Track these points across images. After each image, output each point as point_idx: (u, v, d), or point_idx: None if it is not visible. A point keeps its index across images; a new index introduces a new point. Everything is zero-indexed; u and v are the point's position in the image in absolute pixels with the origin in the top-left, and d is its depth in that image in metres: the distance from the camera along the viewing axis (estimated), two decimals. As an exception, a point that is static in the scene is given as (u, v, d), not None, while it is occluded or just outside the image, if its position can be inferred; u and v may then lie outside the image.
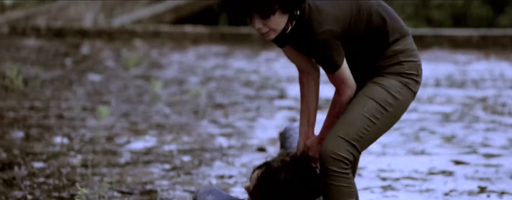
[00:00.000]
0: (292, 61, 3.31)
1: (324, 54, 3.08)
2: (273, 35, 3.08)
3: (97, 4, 14.01)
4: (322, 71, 3.29)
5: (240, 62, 9.81)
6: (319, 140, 3.27)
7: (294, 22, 3.08)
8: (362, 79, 3.25)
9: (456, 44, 10.94)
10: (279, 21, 3.03)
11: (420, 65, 3.23)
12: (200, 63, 9.76)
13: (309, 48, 3.10)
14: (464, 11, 16.57)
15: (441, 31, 11.57)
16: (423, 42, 10.77)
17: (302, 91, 3.31)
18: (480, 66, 9.42)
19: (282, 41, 3.22)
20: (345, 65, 3.14)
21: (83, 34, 11.98)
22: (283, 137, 3.64)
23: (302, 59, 3.28)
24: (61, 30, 12.01)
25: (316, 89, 3.30)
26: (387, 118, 3.20)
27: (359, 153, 3.20)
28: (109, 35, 11.89)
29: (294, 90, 7.89)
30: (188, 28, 11.92)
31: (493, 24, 16.13)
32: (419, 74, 3.23)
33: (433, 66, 9.32)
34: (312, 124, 3.32)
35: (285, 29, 3.08)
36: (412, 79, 3.21)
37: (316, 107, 3.31)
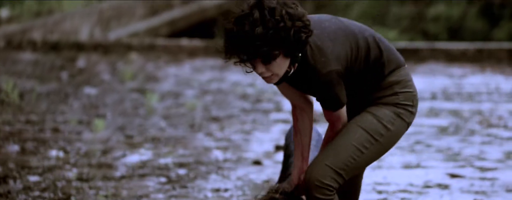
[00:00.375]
0: (287, 97, 3.28)
1: (329, 94, 3.08)
2: (275, 79, 3.05)
3: (93, 17, 14.02)
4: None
5: (236, 76, 9.81)
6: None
7: (296, 65, 3.05)
8: (356, 109, 3.24)
9: (452, 58, 10.96)
10: (281, 65, 3.00)
11: (415, 96, 3.22)
12: (196, 76, 9.76)
13: (312, 88, 3.08)
14: (460, 24, 16.61)
15: (437, 44, 11.59)
16: (418, 56, 10.78)
17: (296, 126, 3.29)
18: (476, 80, 9.43)
19: (279, 80, 3.19)
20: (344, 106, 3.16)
21: (79, 47, 11.98)
22: (288, 149, 3.61)
23: (297, 95, 3.26)
24: (57, 44, 12.02)
25: (310, 124, 3.29)
26: (376, 148, 3.18)
27: (345, 180, 3.19)
28: (105, 49, 11.90)
29: (289, 103, 7.88)
30: (184, 42, 11.94)
31: (488, 38, 16.16)
32: (414, 105, 3.22)
33: (429, 80, 9.33)
34: (306, 158, 3.31)
35: (287, 71, 3.05)
36: (407, 110, 3.20)
37: (310, 142, 3.30)
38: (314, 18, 3.15)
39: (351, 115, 3.26)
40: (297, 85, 3.16)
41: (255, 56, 2.96)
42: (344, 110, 3.17)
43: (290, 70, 3.06)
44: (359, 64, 3.13)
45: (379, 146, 3.18)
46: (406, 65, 3.26)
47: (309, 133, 3.29)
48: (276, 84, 3.21)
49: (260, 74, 3.03)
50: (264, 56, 2.95)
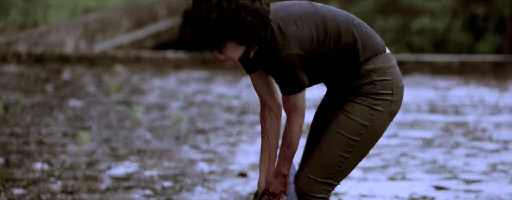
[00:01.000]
0: (257, 90, 3.24)
1: (286, 77, 3.05)
2: (230, 63, 3.06)
3: (78, 30, 14.00)
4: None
5: (222, 88, 9.82)
6: (276, 174, 3.21)
7: (256, 48, 3.05)
8: (338, 98, 3.21)
9: (437, 70, 11.00)
10: (234, 51, 3.01)
11: (396, 83, 3.15)
12: (182, 88, 9.76)
13: (271, 70, 3.07)
14: (444, 37, 16.69)
15: (422, 57, 11.64)
16: (404, 68, 10.82)
17: (264, 128, 3.25)
18: (460, 92, 9.47)
19: (251, 67, 3.19)
20: (302, 93, 3.10)
21: (64, 59, 11.96)
22: None
23: (267, 90, 3.23)
24: (42, 56, 11.99)
25: (278, 125, 3.25)
26: (359, 149, 3.14)
27: (337, 185, 3.17)
28: (90, 61, 11.88)
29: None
30: (169, 54, 11.93)
31: (473, 50, 16.24)
32: (394, 93, 3.15)
33: (414, 92, 9.35)
34: (272, 161, 3.25)
35: (248, 54, 3.05)
36: (384, 100, 3.13)
37: (277, 143, 3.26)
38: (288, 2, 3.16)
39: (334, 105, 3.22)
40: (264, 68, 3.13)
41: (205, 41, 2.98)
42: (301, 101, 3.11)
43: (250, 53, 3.05)
44: (328, 49, 3.08)
45: (362, 145, 3.14)
46: (387, 52, 3.19)
47: (277, 135, 3.25)
48: (249, 72, 3.20)
49: (214, 57, 3.03)
50: (214, 41, 2.97)
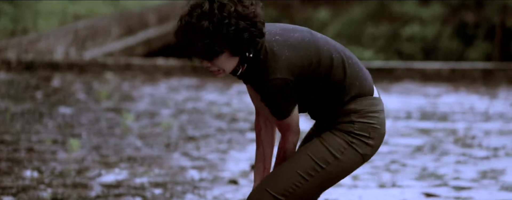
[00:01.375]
0: (253, 99, 3.19)
1: (273, 101, 3.02)
2: (222, 75, 3.02)
3: (68, 37, 13.99)
4: None
5: (212, 95, 9.81)
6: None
7: (245, 65, 3.01)
8: (316, 130, 3.20)
9: (427, 77, 11.03)
10: (227, 63, 2.96)
11: (375, 129, 3.10)
12: (172, 95, 9.75)
13: (258, 92, 3.03)
14: (434, 44, 16.73)
15: (412, 64, 11.66)
16: (394, 75, 10.84)
17: (259, 136, 3.22)
18: (450, 99, 9.49)
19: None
20: (294, 113, 3.07)
21: (54, 67, 11.93)
22: None
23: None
24: (31, 63, 11.97)
25: (272, 134, 3.22)
26: (322, 176, 3.09)
27: None
28: (80, 68, 11.86)
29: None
30: (160, 61, 11.92)
31: (462, 58, 16.28)
32: (371, 137, 3.10)
33: (405, 99, 9.37)
34: (267, 170, 3.23)
35: (236, 70, 3.01)
36: (361, 141, 3.09)
37: (272, 154, 3.23)
38: (287, 27, 3.12)
39: (311, 135, 3.22)
40: (254, 87, 3.10)
41: (194, 49, 2.93)
42: (295, 121, 3.08)
43: (239, 69, 3.01)
44: (317, 81, 3.05)
45: (325, 174, 3.09)
46: (374, 96, 3.13)
47: (271, 144, 3.23)
48: (245, 82, 3.14)
49: (206, 67, 3.00)
50: (204, 52, 2.92)
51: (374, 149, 3.14)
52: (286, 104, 3.03)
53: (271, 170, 3.23)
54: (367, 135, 3.10)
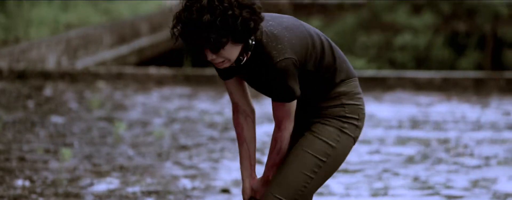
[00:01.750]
0: (232, 94, 3.18)
1: (283, 83, 2.99)
2: (227, 64, 2.98)
3: (60, 46, 13.98)
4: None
5: (204, 104, 9.81)
6: (263, 181, 3.20)
7: (249, 53, 3.00)
8: (302, 118, 3.20)
9: (419, 86, 11.05)
10: (232, 52, 2.94)
11: (362, 109, 3.15)
12: (164, 104, 9.74)
13: (266, 76, 3.01)
14: (426, 53, 16.77)
15: (404, 73, 11.68)
16: (386, 84, 10.85)
17: (241, 134, 3.20)
18: (442, 108, 9.50)
19: (229, 73, 3.12)
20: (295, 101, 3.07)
21: (46, 76, 11.93)
22: None
23: (242, 94, 3.18)
24: (23, 72, 11.95)
25: (254, 130, 3.22)
26: (325, 170, 3.12)
27: None
28: (72, 77, 11.85)
29: (258, 131, 7.89)
30: (152, 70, 11.93)
31: (454, 67, 16.33)
32: (360, 118, 3.14)
33: (397, 108, 9.38)
34: (253, 166, 3.23)
35: (240, 59, 3.00)
36: (352, 124, 3.13)
37: (255, 149, 3.23)
38: (273, 14, 3.14)
39: (296, 127, 3.21)
40: (250, 76, 3.08)
41: (202, 45, 2.90)
42: (294, 107, 3.07)
43: (243, 58, 3.00)
44: (313, 64, 3.07)
45: (328, 167, 3.12)
46: (356, 77, 3.21)
47: (254, 140, 3.21)
48: (224, 79, 3.14)
49: (210, 61, 2.96)
50: (212, 45, 2.89)
51: (361, 130, 3.18)
52: (294, 85, 3.03)
53: (265, 166, 3.21)
54: (357, 117, 3.15)
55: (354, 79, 3.18)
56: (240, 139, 3.23)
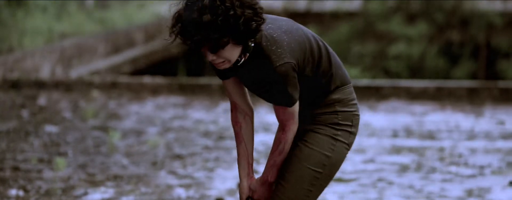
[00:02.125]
0: (230, 94, 3.16)
1: (283, 87, 2.97)
2: (227, 65, 2.96)
3: (55, 55, 13.98)
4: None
5: (199, 113, 9.80)
6: (262, 181, 3.17)
7: (247, 55, 2.98)
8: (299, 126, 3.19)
9: (413, 95, 11.06)
10: (232, 52, 2.91)
11: (356, 115, 3.14)
12: (159, 113, 9.73)
13: (265, 81, 3.00)
14: (420, 63, 16.79)
15: (398, 82, 11.70)
16: (380, 93, 10.87)
17: (239, 133, 3.18)
18: (436, 117, 9.51)
19: (227, 73, 3.11)
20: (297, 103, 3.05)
21: (40, 85, 11.91)
22: None
23: (241, 93, 3.16)
24: (17, 82, 11.94)
25: (252, 129, 3.20)
26: (323, 179, 3.12)
27: None
28: (66, 86, 11.84)
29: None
30: (147, 79, 11.92)
31: (448, 76, 16.35)
32: (353, 124, 3.13)
33: (391, 117, 9.39)
34: (251, 165, 3.20)
35: (237, 60, 2.97)
36: (345, 131, 3.12)
37: (253, 149, 3.21)
38: (272, 15, 3.12)
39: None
40: (248, 78, 3.05)
41: (202, 45, 2.87)
42: (297, 109, 3.04)
43: (241, 59, 2.96)
44: (310, 69, 3.04)
45: (325, 177, 3.11)
46: (351, 83, 3.19)
47: (252, 139, 3.19)
48: (223, 78, 3.11)
49: (210, 61, 2.94)
50: (212, 44, 2.86)
51: (355, 136, 3.17)
52: (294, 90, 3.00)
53: (264, 166, 3.19)
54: (350, 123, 3.15)
55: (349, 85, 3.17)
56: (238, 138, 3.21)
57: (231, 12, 2.84)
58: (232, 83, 3.15)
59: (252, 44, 2.97)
